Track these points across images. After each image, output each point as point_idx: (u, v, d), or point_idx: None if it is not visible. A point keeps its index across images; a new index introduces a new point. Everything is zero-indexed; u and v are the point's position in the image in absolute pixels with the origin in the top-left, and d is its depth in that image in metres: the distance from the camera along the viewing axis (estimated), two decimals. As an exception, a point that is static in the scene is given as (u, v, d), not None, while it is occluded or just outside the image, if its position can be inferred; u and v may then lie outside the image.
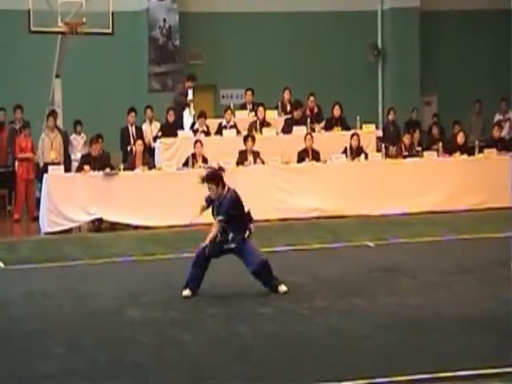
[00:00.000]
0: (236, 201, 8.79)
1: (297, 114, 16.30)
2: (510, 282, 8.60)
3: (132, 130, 16.08)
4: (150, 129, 16.37)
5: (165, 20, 19.23)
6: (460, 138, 16.19)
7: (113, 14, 15.65)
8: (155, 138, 15.93)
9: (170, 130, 15.86)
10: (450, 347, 6.40)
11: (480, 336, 6.68)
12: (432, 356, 6.17)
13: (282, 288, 8.53)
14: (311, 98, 16.79)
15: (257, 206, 14.21)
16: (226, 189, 8.77)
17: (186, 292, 8.55)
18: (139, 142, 14.85)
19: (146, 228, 13.72)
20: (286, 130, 16.07)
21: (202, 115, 16.08)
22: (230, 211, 8.67)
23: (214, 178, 8.78)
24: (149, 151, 15.42)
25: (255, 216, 14.05)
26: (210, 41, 19.63)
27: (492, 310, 7.51)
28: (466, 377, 5.68)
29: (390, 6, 20.53)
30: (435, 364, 5.93)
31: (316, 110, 16.86)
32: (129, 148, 15.59)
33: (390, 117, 18.03)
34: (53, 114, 15.65)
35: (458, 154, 15.81)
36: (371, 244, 11.58)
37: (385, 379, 5.64)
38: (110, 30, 15.78)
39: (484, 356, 6.11)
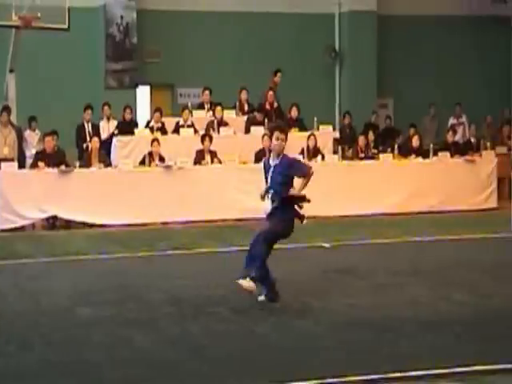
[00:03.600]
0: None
1: (259, 116, 16.32)
2: (463, 284, 8.70)
3: (88, 127, 15.94)
4: (108, 126, 16.24)
5: (122, 17, 19.07)
6: (415, 141, 16.37)
7: (69, 9, 15.49)
8: (112, 136, 15.80)
9: (127, 128, 15.77)
10: (403, 347, 6.44)
11: (432, 337, 6.73)
12: (385, 356, 6.20)
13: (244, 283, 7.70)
14: (270, 93, 16.78)
15: (214, 205, 14.37)
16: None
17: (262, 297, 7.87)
18: (95, 139, 14.74)
19: (101, 226, 13.60)
20: (248, 129, 16.09)
21: (157, 110, 16.08)
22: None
23: (285, 129, 7.94)
24: (105, 149, 15.30)
25: (212, 216, 14.23)
26: (167, 39, 19.53)
27: (444, 311, 7.58)
28: (418, 377, 5.71)
29: (348, 9, 20.65)
30: (388, 364, 5.96)
31: (276, 104, 16.86)
32: (84, 145, 15.44)
33: (346, 120, 18.18)
34: (6, 109, 15.41)
35: (413, 156, 15.98)
36: (327, 245, 11.62)
37: (338, 379, 5.64)
38: (65, 26, 15.60)
39: (436, 356, 6.16)
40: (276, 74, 17.48)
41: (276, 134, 7.81)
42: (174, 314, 7.64)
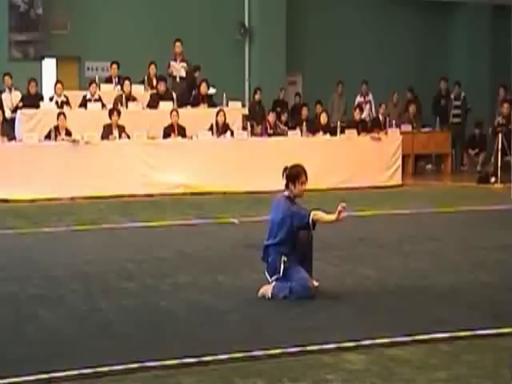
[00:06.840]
0: None
1: (161, 89, 16.16)
2: (366, 259, 8.90)
3: (-10, 100, 15.51)
4: (11, 97, 15.82)
5: (26, -14, 18.51)
6: (323, 119, 16.58)
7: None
8: (15, 109, 15.42)
9: (32, 101, 15.41)
10: (310, 321, 6.54)
11: (338, 310, 6.86)
12: (292, 330, 6.28)
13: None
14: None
15: (122, 180, 14.23)
16: None
17: None
18: (-2, 112, 14.35)
19: (5, 201, 13.29)
20: (152, 104, 15.91)
21: (58, 82, 15.84)
22: None
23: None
24: (8, 122, 14.92)
25: (119, 191, 14.09)
26: (74, 10, 19.07)
27: (349, 285, 7.74)
28: (325, 350, 5.81)
29: (258, -14, 20.63)
30: (296, 338, 6.04)
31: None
32: (-13, 118, 15.00)
33: (257, 96, 18.23)
34: None
35: (320, 133, 16.18)
36: (235, 221, 11.67)
37: (245, 353, 5.69)
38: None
39: (341, 329, 6.28)
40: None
41: (303, 178, 7.44)
42: (81, 289, 7.54)
